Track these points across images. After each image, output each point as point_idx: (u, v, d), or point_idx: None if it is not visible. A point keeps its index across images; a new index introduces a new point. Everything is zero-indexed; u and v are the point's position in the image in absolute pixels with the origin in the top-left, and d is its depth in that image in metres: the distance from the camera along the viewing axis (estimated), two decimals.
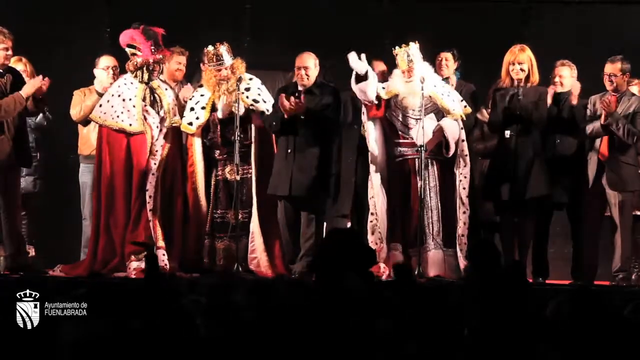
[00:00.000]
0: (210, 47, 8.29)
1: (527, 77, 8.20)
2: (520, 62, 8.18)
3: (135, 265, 7.99)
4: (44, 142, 8.85)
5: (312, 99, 8.31)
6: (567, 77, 8.28)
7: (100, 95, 8.51)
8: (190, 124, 8.35)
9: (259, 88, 8.42)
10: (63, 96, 8.68)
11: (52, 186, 9.05)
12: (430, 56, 8.68)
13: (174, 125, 8.29)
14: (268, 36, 8.71)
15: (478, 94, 8.71)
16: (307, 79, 8.30)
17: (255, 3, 10.08)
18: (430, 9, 9.99)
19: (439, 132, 8.22)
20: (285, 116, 8.15)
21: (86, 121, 8.57)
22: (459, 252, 8.18)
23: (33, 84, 7.96)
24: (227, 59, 8.30)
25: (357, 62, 8.18)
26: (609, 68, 8.17)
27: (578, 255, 8.32)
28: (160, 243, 8.11)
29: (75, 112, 8.56)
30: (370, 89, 8.22)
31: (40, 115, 8.67)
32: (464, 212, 8.22)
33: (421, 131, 8.12)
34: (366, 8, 10.06)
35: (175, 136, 8.35)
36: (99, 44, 9.61)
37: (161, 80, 8.38)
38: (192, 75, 8.99)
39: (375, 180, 8.32)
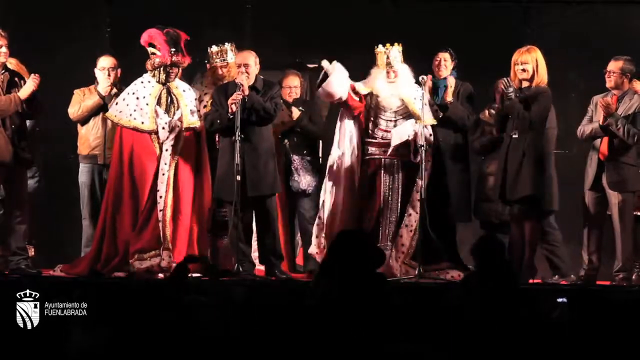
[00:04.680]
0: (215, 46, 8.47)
1: (533, 78, 8.17)
2: (523, 62, 8.15)
3: (138, 264, 8.01)
4: (44, 143, 8.87)
5: (255, 96, 8.09)
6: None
7: (101, 95, 8.53)
8: None
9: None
10: (63, 96, 8.69)
11: (52, 186, 9.06)
12: (430, 56, 8.69)
13: (191, 126, 8.27)
14: (268, 36, 8.69)
15: (475, 93, 8.71)
16: (248, 76, 8.09)
17: (256, 3, 10.09)
18: (430, 9, 9.99)
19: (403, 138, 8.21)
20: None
21: (84, 121, 8.58)
22: (394, 254, 8.15)
23: (29, 86, 7.99)
24: (230, 57, 8.43)
25: (327, 65, 8.15)
26: (611, 65, 8.17)
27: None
28: (168, 244, 8.11)
29: (73, 111, 8.57)
30: (334, 88, 8.15)
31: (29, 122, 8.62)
32: (410, 215, 8.20)
33: (394, 131, 8.20)
34: (366, 8, 10.05)
35: (190, 137, 8.29)
36: (99, 44, 9.62)
37: (181, 81, 8.42)
38: (193, 76, 9.00)
39: (327, 184, 8.34)
